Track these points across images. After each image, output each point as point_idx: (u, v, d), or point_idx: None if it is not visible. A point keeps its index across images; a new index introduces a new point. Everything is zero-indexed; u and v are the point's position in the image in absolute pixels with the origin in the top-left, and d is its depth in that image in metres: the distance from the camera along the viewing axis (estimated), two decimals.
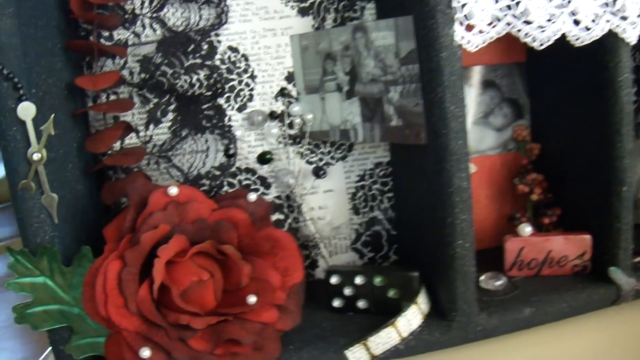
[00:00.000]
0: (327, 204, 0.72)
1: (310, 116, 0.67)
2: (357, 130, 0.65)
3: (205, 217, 0.58)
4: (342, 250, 0.73)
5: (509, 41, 0.62)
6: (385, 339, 0.60)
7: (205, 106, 0.68)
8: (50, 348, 0.60)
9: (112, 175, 0.68)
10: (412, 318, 0.61)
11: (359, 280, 0.64)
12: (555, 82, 0.74)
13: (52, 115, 0.55)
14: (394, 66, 0.60)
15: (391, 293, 0.63)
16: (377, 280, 0.63)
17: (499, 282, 0.68)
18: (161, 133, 0.68)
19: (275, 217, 0.71)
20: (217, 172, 0.70)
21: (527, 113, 0.77)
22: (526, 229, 0.70)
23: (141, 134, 0.68)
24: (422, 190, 0.64)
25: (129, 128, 0.65)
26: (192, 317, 0.55)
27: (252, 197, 0.60)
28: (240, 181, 0.70)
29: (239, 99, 0.68)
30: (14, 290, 0.56)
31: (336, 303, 0.65)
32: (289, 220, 0.71)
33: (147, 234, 0.54)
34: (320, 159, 0.71)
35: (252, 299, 0.57)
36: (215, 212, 0.59)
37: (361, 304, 0.65)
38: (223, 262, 0.59)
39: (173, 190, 0.57)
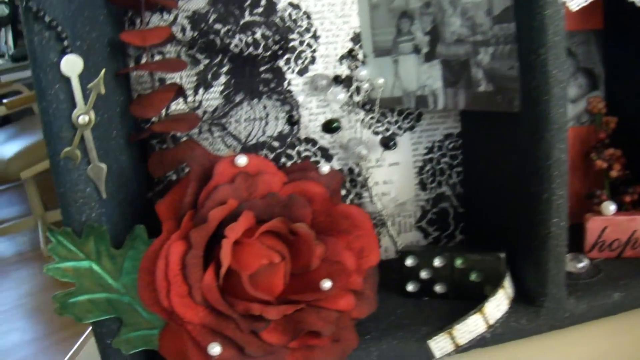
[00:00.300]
0: (392, 178, 0.64)
1: (381, 81, 0.58)
2: (437, 96, 0.57)
3: (277, 192, 0.50)
4: (406, 228, 0.66)
5: (587, 5, 0.54)
6: (472, 326, 0.52)
7: (262, 69, 0.59)
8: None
9: (156, 145, 0.60)
10: (500, 303, 0.54)
11: (437, 262, 0.56)
12: (634, 51, 0.66)
13: (103, 70, 0.47)
14: (485, 25, 0.52)
15: (473, 276, 0.56)
16: (459, 263, 0.56)
17: (581, 264, 0.61)
18: (212, 98, 0.59)
19: None
20: (276, 143, 0.61)
21: (602, 84, 0.70)
22: (610, 207, 0.62)
23: (189, 99, 0.59)
24: (508, 163, 0.56)
25: (180, 91, 0.56)
26: (265, 307, 0.47)
27: (325, 168, 0.52)
28: (299, 152, 0.61)
29: (299, 61, 0.60)
30: (55, 276, 0.48)
31: (410, 287, 0.58)
32: (351, 196, 0.63)
33: (215, 210, 0.46)
34: (387, 129, 0.63)
35: (327, 284, 0.50)
36: (287, 186, 0.51)
37: (438, 288, 0.57)
38: (292, 242, 0.51)
39: (242, 160, 0.48)
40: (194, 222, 0.47)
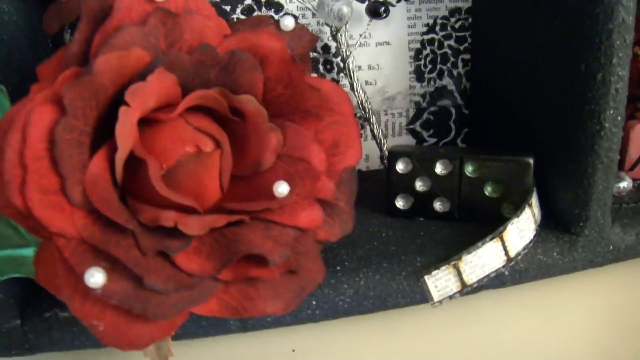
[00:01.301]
0: (379, 62, 0.45)
1: None
2: None
3: (214, 45, 0.31)
4: (395, 131, 0.47)
5: None
6: (486, 258, 0.35)
7: None
8: None
9: None
10: (524, 228, 0.36)
11: (440, 168, 0.38)
12: None
13: None
14: None
15: (488, 189, 0.38)
16: (470, 169, 0.38)
17: (623, 184, 0.43)
18: None
19: None
20: (227, 7, 0.41)
21: None
22: None
23: None
24: (540, 40, 0.37)
25: None
26: (184, 215, 0.28)
27: (289, 22, 0.33)
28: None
29: None
30: None
31: (401, 203, 0.39)
32: None
33: (106, 58, 0.27)
34: None
35: (282, 188, 0.31)
36: (228, 39, 0.31)
37: (439, 205, 0.39)
38: (236, 128, 0.32)
39: None
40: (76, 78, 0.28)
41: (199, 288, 0.29)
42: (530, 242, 0.37)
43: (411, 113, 0.47)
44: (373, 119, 0.43)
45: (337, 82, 0.44)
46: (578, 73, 0.34)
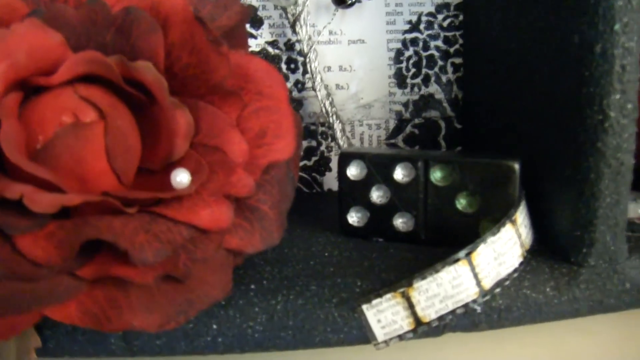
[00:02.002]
0: (352, 63, 0.37)
1: None
2: None
3: (105, 1, 0.24)
4: (373, 144, 0.39)
5: None
6: (449, 288, 0.25)
7: None
8: None
9: None
10: (505, 252, 0.26)
11: (401, 173, 0.29)
12: None
13: None
14: None
15: (462, 203, 0.29)
16: (438, 176, 0.29)
17: None
18: None
19: None
20: None
21: None
22: None
23: None
24: (546, 38, 0.29)
25: None
26: (35, 190, 0.21)
27: None
28: None
29: None
30: None
31: (354, 218, 0.31)
32: (289, 84, 0.37)
33: None
34: None
35: (181, 177, 0.24)
36: None
37: (401, 222, 0.30)
38: (147, 114, 0.25)
39: None
40: None
41: (48, 283, 0.21)
42: (514, 271, 0.27)
43: (392, 125, 0.39)
44: (337, 125, 0.34)
45: (303, 84, 0.37)
46: (573, 47, 0.26)
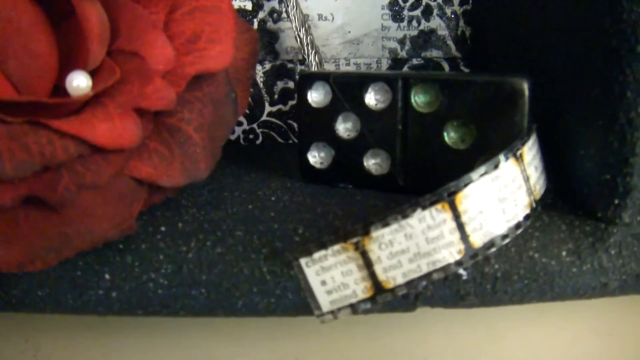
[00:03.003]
0: None
1: None
2: None
3: None
4: None
5: None
6: (422, 242, 0.17)
7: None
8: None
9: None
10: (505, 197, 0.18)
11: (374, 98, 0.22)
12: None
13: None
14: None
15: (452, 136, 0.21)
16: (421, 100, 0.21)
17: None
18: None
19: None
20: None
21: None
22: None
23: None
24: None
25: None
26: None
27: None
28: None
29: None
30: None
31: (315, 157, 0.23)
32: (259, 16, 0.30)
33: None
34: None
35: (78, 81, 0.18)
36: None
37: (373, 162, 0.22)
38: (68, 25, 0.19)
39: None
40: None
41: None
42: (516, 225, 0.19)
43: (384, 65, 0.31)
44: (313, 56, 0.27)
45: (279, 14, 0.30)
46: None
